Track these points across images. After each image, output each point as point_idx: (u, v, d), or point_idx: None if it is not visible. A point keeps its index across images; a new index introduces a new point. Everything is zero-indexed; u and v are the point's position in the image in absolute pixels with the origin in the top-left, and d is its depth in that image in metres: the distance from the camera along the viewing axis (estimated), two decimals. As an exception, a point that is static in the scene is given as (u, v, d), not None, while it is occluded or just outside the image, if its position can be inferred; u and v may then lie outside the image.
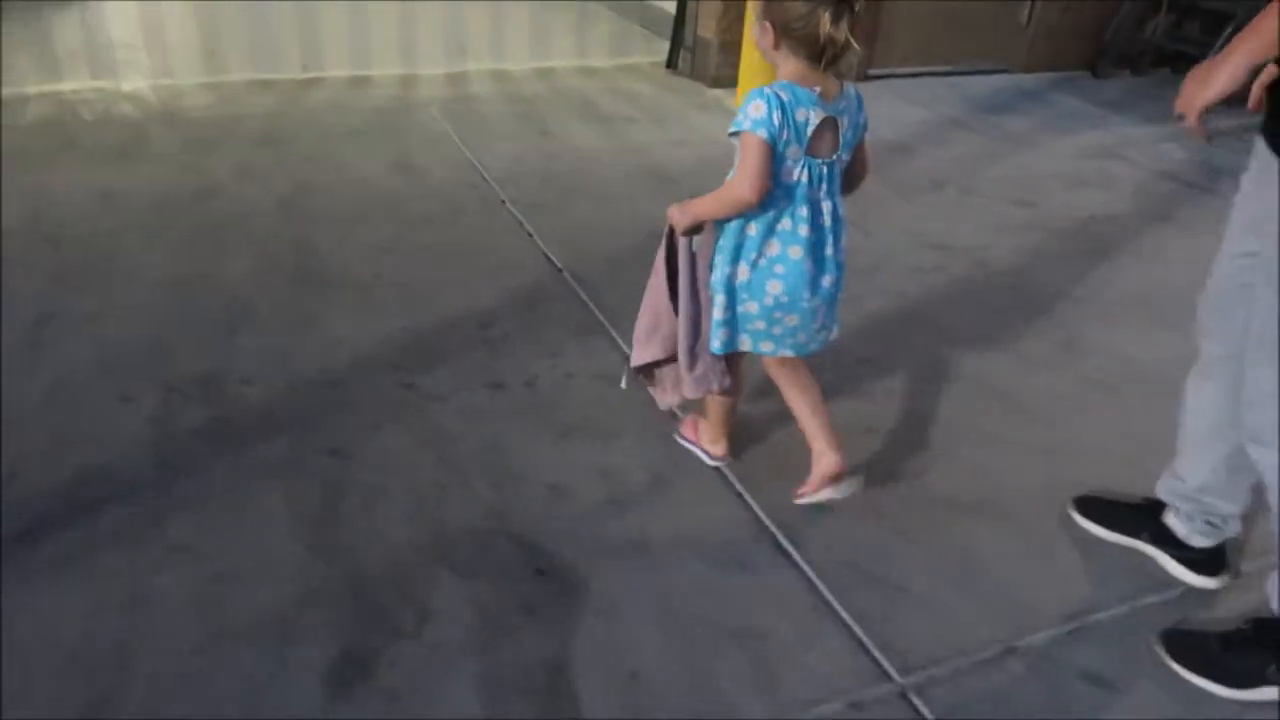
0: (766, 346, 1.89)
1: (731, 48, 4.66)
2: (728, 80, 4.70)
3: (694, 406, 2.11)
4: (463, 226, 3.11)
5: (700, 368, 1.91)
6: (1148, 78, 5.43)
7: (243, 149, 3.62)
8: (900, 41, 4.97)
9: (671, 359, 1.96)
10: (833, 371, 2.28)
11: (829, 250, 1.81)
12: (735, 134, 1.69)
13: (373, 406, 2.20)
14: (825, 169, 1.75)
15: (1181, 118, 1.56)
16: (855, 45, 1.66)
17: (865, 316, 2.66)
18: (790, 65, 1.69)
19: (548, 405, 2.25)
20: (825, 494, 1.93)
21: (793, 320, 1.85)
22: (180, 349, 2.36)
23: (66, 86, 4.13)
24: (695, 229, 1.83)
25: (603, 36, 5.07)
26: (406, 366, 2.35)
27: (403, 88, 4.46)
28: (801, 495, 1.95)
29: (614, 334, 2.54)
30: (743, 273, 1.81)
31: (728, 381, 1.95)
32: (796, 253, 1.78)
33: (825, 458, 1.94)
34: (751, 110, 1.66)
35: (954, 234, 3.27)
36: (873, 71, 4.96)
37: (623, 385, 2.09)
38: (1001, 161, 3.98)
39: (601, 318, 2.62)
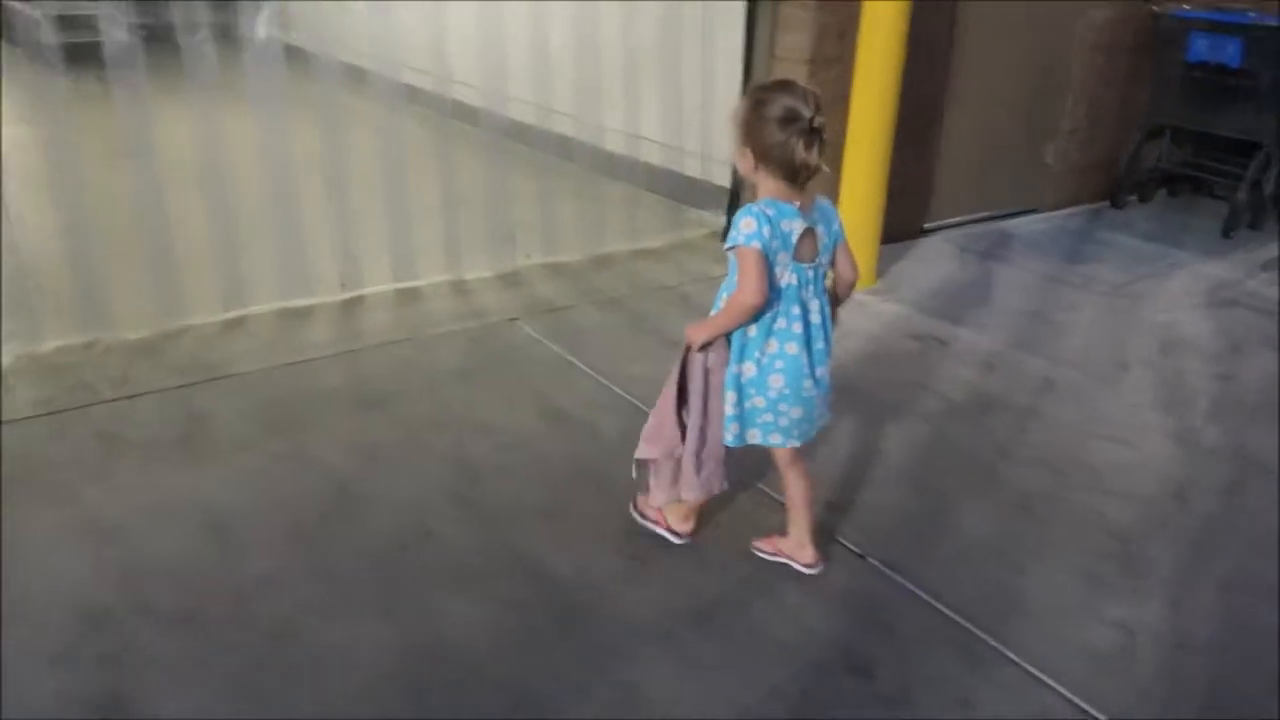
0: (775, 438, 2.11)
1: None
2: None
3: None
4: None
5: (704, 473, 2.12)
6: (1154, 202, 5.48)
7: (339, 418, 2.87)
8: (949, 193, 4.76)
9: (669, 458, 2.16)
10: None
11: (820, 344, 2.06)
12: (731, 249, 1.93)
13: None
14: (810, 273, 2.00)
15: None
16: (825, 168, 1.91)
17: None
18: (769, 184, 1.93)
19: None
20: (784, 560, 2.25)
21: (797, 412, 2.07)
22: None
23: (50, 344, 3.21)
24: (707, 345, 2.03)
25: (646, 215, 4.59)
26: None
27: (462, 298, 3.80)
28: (760, 549, 2.28)
29: (1010, 654, 2.01)
30: (748, 370, 2.04)
31: (726, 485, 2.19)
32: (793, 349, 2.01)
33: (805, 551, 2.23)
34: (743, 226, 1.91)
35: (1184, 425, 2.96)
36: (928, 225, 4.73)
37: (633, 475, 2.23)
38: (1139, 323, 3.75)
39: (976, 629, 2.09)
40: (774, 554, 2.27)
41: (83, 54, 3.17)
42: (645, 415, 2.18)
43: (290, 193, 3.55)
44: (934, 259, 4.38)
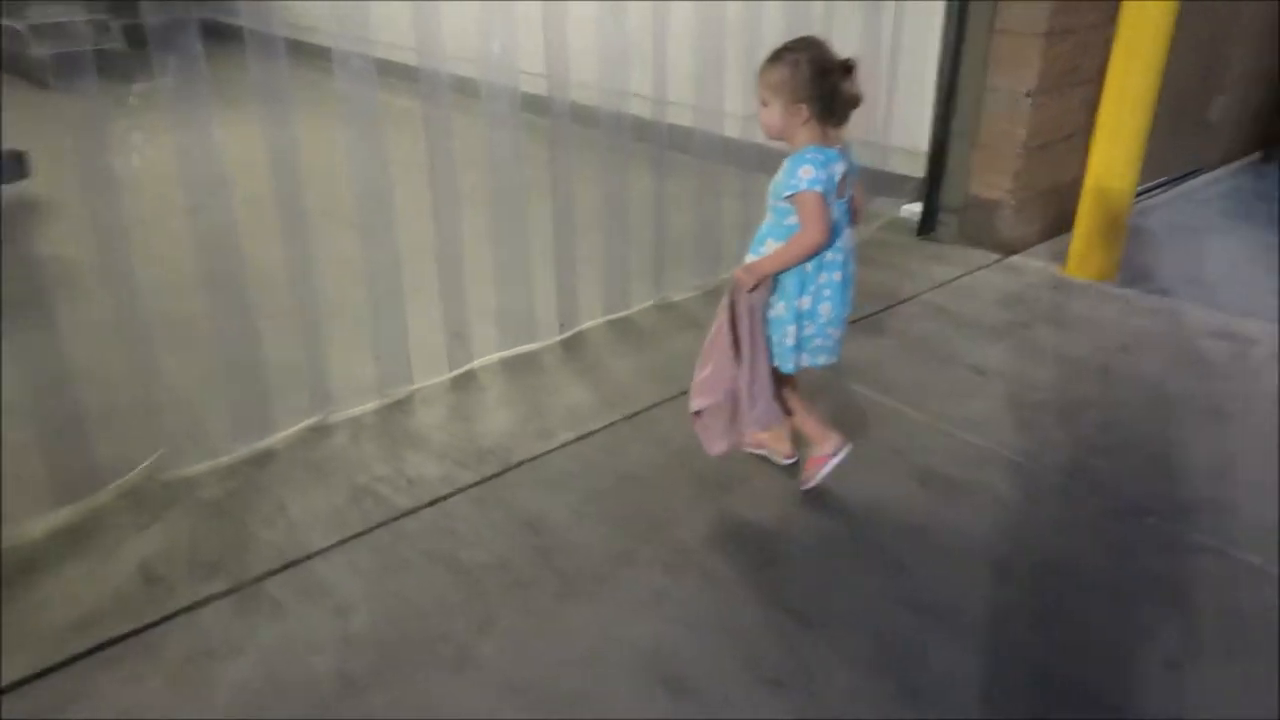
0: (822, 359, 2.34)
1: (1032, 204, 3.96)
2: (1025, 242, 3.98)
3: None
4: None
5: (759, 408, 2.26)
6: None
7: (700, 506, 2.45)
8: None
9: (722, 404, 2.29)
10: None
11: (851, 268, 2.26)
12: (791, 196, 2.12)
13: None
14: (845, 205, 2.21)
15: None
16: (863, 97, 2.12)
17: None
18: (808, 133, 2.13)
19: None
20: (832, 464, 2.42)
21: (838, 333, 2.32)
22: None
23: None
24: (756, 286, 2.19)
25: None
26: None
27: (683, 323, 3.36)
28: (810, 477, 2.45)
29: None
30: (804, 303, 2.23)
31: (783, 417, 2.39)
32: (837, 276, 2.23)
33: (829, 439, 2.43)
34: (804, 174, 2.09)
35: None
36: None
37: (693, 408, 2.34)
38: None
39: None
40: (821, 466, 2.43)
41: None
42: (1023, 467, 1.82)
43: (454, 232, 3.01)
44: (1144, 237, 4.08)
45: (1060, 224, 4.12)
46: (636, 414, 2.82)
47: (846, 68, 2.10)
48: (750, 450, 2.57)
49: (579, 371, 3.11)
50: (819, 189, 2.09)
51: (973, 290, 3.64)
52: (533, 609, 2.09)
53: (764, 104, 2.15)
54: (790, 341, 2.27)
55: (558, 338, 3.30)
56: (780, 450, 2.56)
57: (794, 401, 2.44)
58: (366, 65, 2.68)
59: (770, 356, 2.28)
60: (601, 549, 2.27)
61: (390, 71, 3.15)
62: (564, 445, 2.67)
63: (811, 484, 2.44)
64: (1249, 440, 2.66)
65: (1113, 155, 3.55)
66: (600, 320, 3.40)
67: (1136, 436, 2.68)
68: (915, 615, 2.06)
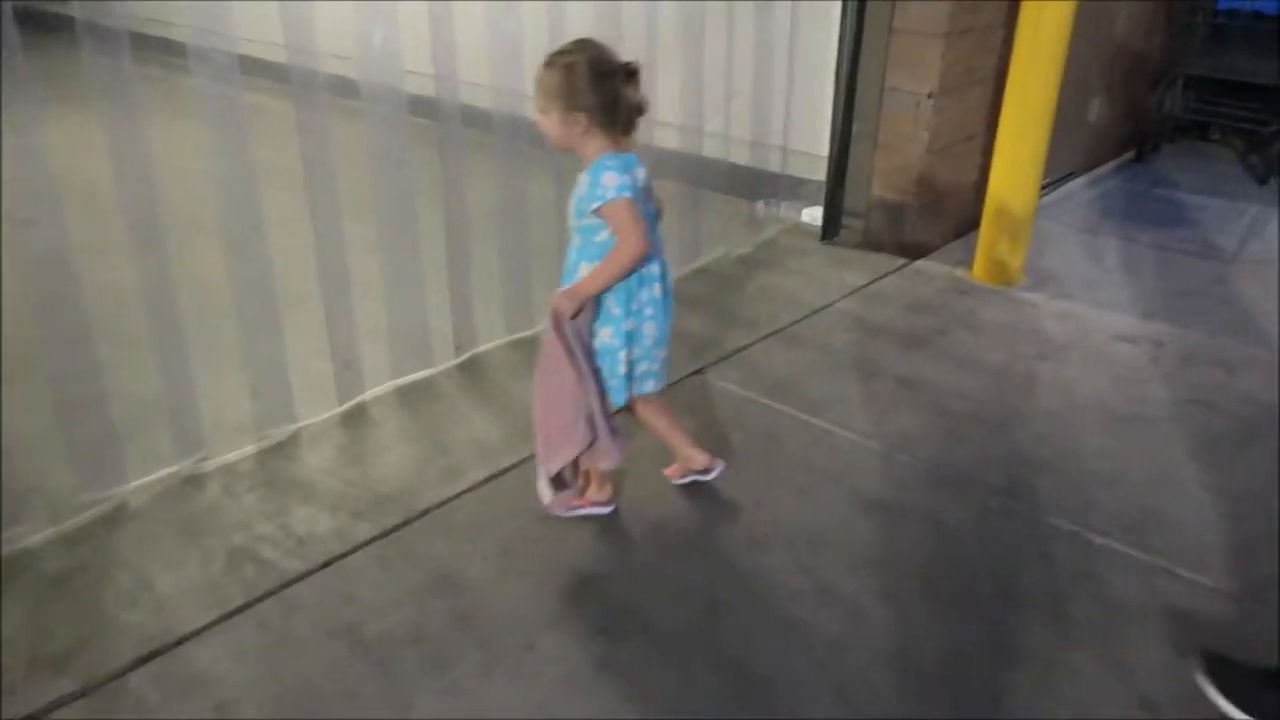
0: (650, 385, 2.18)
1: (935, 207, 3.89)
2: (930, 245, 3.92)
3: None
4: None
5: (619, 436, 2.09)
6: (1161, 152, 5.42)
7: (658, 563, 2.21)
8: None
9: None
10: None
11: (668, 280, 2.11)
12: (598, 207, 1.93)
13: None
14: (654, 212, 2.08)
15: None
16: (648, 104, 2.01)
17: None
18: (599, 142, 1.97)
19: None
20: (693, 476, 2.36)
21: (663, 353, 2.16)
22: None
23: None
24: (578, 312, 1.99)
25: (716, 215, 4.01)
26: None
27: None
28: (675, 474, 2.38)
29: None
30: (629, 324, 2.06)
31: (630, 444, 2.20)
32: (658, 290, 2.08)
33: (697, 456, 2.34)
34: (609, 181, 1.92)
35: None
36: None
37: (546, 500, 2.14)
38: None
39: None
40: (684, 475, 2.37)
41: None
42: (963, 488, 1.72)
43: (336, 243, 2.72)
44: (1039, 239, 4.07)
45: (962, 226, 4.09)
46: (550, 446, 2.58)
47: (629, 71, 1.94)
48: (568, 514, 2.27)
49: (483, 399, 2.83)
50: (629, 194, 1.93)
51: (884, 296, 3.54)
52: (456, 688, 1.82)
53: (542, 111, 1.97)
54: (623, 370, 2.09)
55: (455, 361, 3.01)
56: (604, 500, 2.31)
57: (661, 412, 2.28)
58: (229, 62, 2.34)
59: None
60: (527, 610, 2.02)
61: (258, 70, 2.80)
62: (474, 487, 2.40)
63: (680, 480, 2.38)
64: (1177, 449, 2.62)
65: (1016, 158, 3.51)
66: (502, 340, 3.13)
67: (1070, 449, 2.61)
68: (886, 669, 1.89)
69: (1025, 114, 3.44)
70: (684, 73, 3.52)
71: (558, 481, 2.12)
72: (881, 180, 3.88)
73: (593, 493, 2.30)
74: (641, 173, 2.01)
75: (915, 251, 3.88)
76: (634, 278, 2.03)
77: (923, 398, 2.85)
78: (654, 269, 2.07)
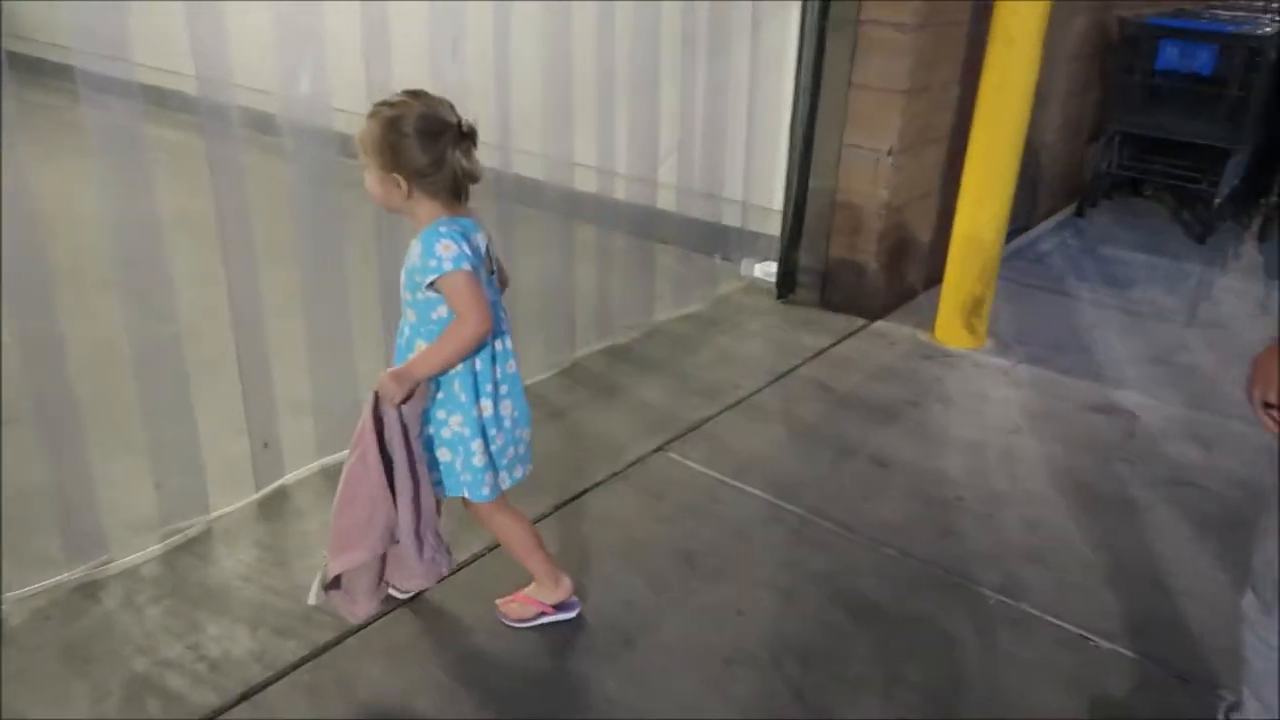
0: (519, 471, 1.93)
1: (893, 266, 3.75)
2: (888, 306, 3.77)
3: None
4: None
5: (428, 551, 1.84)
6: (1098, 208, 5.44)
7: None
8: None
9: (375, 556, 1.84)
10: None
11: (515, 351, 1.89)
12: (433, 282, 1.69)
13: None
14: (495, 281, 1.86)
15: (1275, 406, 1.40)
16: (483, 172, 1.75)
17: None
18: (430, 206, 1.73)
19: None
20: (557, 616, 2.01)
21: (527, 434, 1.92)
22: None
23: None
24: (408, 397, 1.74)
25: (670, 271, 3.80)
26: None
27: (561, 418, 2.87)
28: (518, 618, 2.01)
29: None
30: (486, 409, 1.81)
31: (452, 560, 1.94)
32: (511, 367, 1.85)
33: (562, 584, 2.02)
34: (443, 250, 1.68)
35: None
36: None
37: (311, 601, 1.87)
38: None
39: None
40: (534, 616, 2.02)
41: None
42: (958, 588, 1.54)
43: (251, 299, 2.45)
44: (995, 297, 3.98)
45: (916, 286, 3.97)
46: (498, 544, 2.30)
47: (463, 132, 1.69)
48: (525, 625, 2.03)
49: (423, 484, 2.54)
50: (467, 266, 1.69)
51: (849, 361, 3.36)
52: None
53: (363, 167, 1.74)
54: (479, 461, 1.83)
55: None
56: (556, 598, 2.03)
57: (524, 528, 1.99)
58: (129, 91, 2.04)
59: (441, 487, 1.86)
60: (488, 752, 1.74)
61: (164, 101, 2.48)
62: (418, 592, 2.11)
63: (513, 623, 2.02)
64: (1172, 537, 2.48)
65: (979, 218, 3.39)
66: (441, 413, 2.84)
67: (1062, 539, 2.44)
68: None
69: (989, 174, 3.33)
70: (634, 121, 3.31)
71: (334, 582, 1.87)
72: (839, 238, 3.73)
73: (544, 593, 2.02)
74: (481, 239, 1.78)
75: (873, 312, 3.73)
76: (484, 356, 1.80)
77: (901, 480, 2.66)
78: (506, 344, 1.85)
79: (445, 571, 1.92)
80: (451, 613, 2.07)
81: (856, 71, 3.50)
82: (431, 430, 1.83)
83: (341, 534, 1.81)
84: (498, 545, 2.15)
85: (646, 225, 3.52)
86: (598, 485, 2.55)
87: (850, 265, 3.73)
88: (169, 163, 2.24)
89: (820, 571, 2.27)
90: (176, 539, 2.24)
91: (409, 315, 1.80)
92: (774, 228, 3.91)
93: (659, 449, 2.73)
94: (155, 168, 2.10)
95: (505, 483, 1.89)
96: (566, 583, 2.03)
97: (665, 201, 3.64)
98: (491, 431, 1.83)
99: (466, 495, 1.87)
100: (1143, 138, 5.22)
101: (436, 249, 1.68)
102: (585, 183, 3.23)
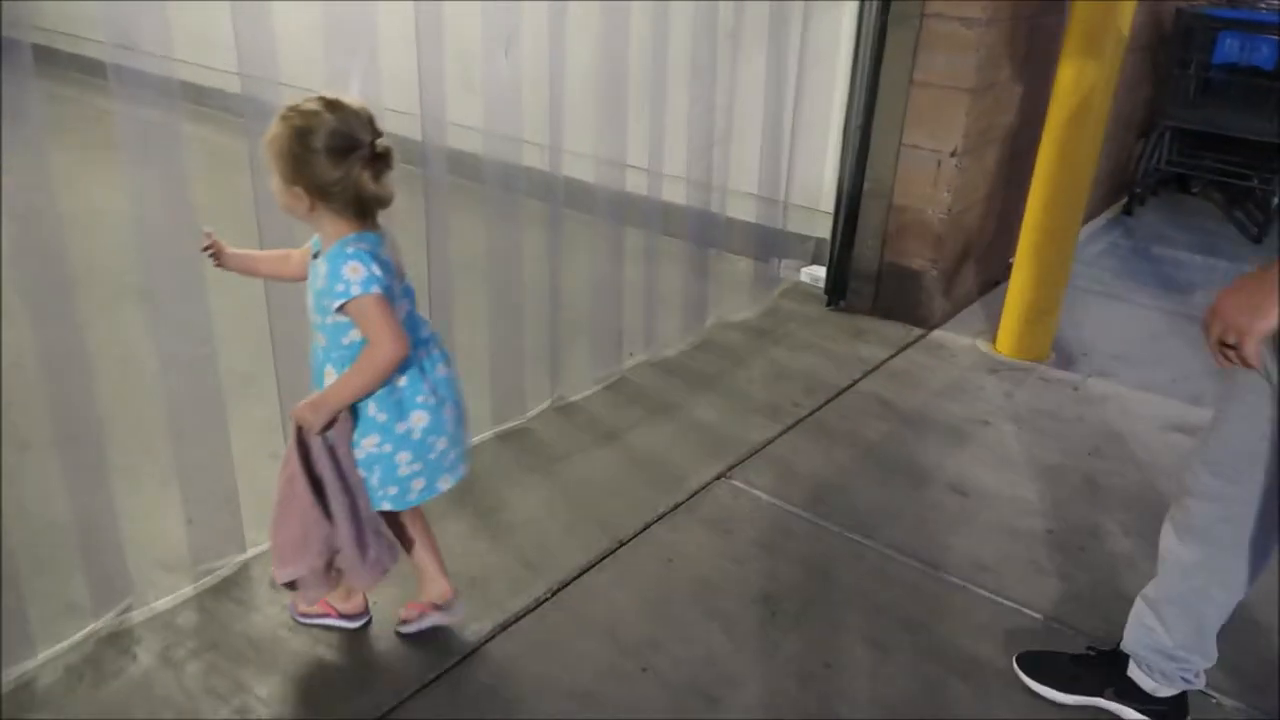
0: (462, 469, 1.86)
1: (951, 272, 3.57)
2: (945, 315, 3.60)
3: None
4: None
5: (372, 553, 1.79)
6: (1147, 206, 5.26)
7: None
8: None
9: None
10: None
11: (445, 347, 1.81)
12: (341, 306, 1.59)
13: None
14: (410, 289, 1.74)
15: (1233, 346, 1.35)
16: (393, 196, 1.62)
17: None
18: (336, 224, 1.62)
19: None
20: (434, 619, 1.97)
21: (465, 435, 1.87)
22: None
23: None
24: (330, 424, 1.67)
25: (718, 279, 3.61)
26: None
27: (605, 438, 2.70)
28: (409, 622, 1.97)
29: None
30: (419, 420, 1.72)
31: (397, 554, 1.86)
32: (443, 370, 1.77)
33: (439, 583, 1.96)
34: (350, 274, 1.58)
35: None
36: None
37: (276, 582, 1.86)
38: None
39: None
40: (419, 618, 1.97)
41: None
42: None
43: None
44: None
45: (974, 292, 3.79)
46: (565, 585, 2.13)
47: (377, 154, 1.57)
48: (308, 622, 1.98)
49: (480, 511, 2.36)
50: (376, 290, 1.58)
51: (909, 375, 3.19)
52: None
53: (271, 172, 1.62)
54: (405, 470, 1.75)
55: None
56: (349, 612, 1.98)
57: (416, 529, 1.94)
58: (169, 87, 1.85)
59: (375, 498, 1.78)
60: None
61: (203, 99, 2.29)
62: (492, 635, 1.94)
63: (409, 630, 1.97)
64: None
65: (1051, 223, 3.21)
66: (488, 433, 2.67)
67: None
68: None
69: (1062, 178, 3.14)
70: (680, 121, 3.12)
71: (290, 585, 1.84)
72: (895, 243, 3.54)
73: (339, 603, 1.97)
74: (389, 252, 1.66)
75: (929, 320, 3.55)
76: (410, 372, 1.70)
77: (984, 511, 2.48)
78: (432, 351, 1.76)
79: (390, 566, 1.84)
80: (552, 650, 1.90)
81: (919, 68, 3.30)
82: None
83: (279, 549, 1.80)
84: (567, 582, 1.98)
85: (694, 228, 3.35)
86: (660, 519, 2.38)
87: (906, 271, 3.55)
88: (207, 163, 2.04)
89: (913, 619, 2.10)
90: (209, 580, 2.07)
91: (319, 339, 1.70)
92: (823, 230, 3.73)
93: (721, 475, 2.56)
94: (189, 167, 1.92)
95: (445, 484, 1.83)
96: (447, 586, 1.99)
97: (713, 204, 3.45)
98: (429, 440, 1.75)
99: (389, 507, 1.79)
100: (1193, 133, 5.03)
101: (344, 271, 1.58)
102: (636, 185, 3.05)
